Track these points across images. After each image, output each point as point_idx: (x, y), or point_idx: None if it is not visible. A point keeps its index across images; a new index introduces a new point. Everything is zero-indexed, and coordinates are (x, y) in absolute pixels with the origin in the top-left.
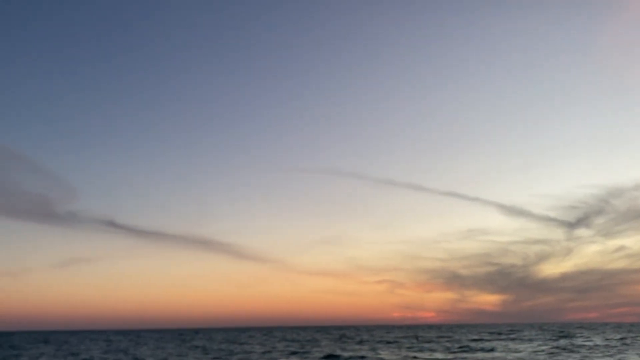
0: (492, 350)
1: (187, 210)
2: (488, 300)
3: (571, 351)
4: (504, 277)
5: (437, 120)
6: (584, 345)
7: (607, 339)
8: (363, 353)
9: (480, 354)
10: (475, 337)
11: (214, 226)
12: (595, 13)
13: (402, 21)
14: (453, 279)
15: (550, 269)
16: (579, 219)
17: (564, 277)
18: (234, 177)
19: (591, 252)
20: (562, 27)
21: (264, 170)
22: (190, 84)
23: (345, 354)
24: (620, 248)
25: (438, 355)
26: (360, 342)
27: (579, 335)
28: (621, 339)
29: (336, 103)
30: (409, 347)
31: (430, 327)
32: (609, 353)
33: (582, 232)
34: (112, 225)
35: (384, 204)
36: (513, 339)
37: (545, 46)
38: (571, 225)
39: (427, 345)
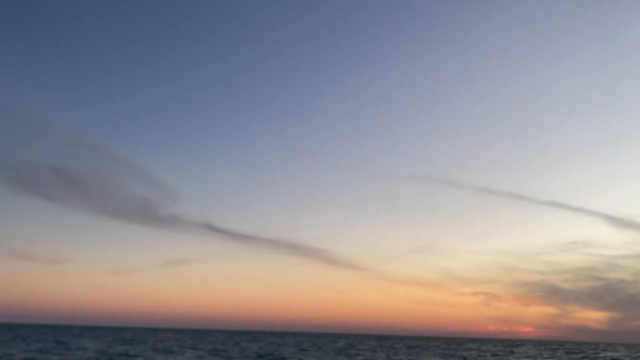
0: None
1: (281, 216)
2: (593, 317)
3: None
4: (611, 293)
5: (537, 126)
6: None
7: None
8: None
9: None
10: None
11: (307, 232)
12: None
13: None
14: (553, 293)
15: None
16: None
17: None
18: (328, 183)
19: None
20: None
21: (358, 177)
22: (287, 90)
23: None
24: None
25: None
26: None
27: None
28: None
29: (433, 109)
30: None
31: (523, 342)
32: None
33: None
34: (210, 228)
35: (479, 213)
36: None
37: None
38: None
39: None
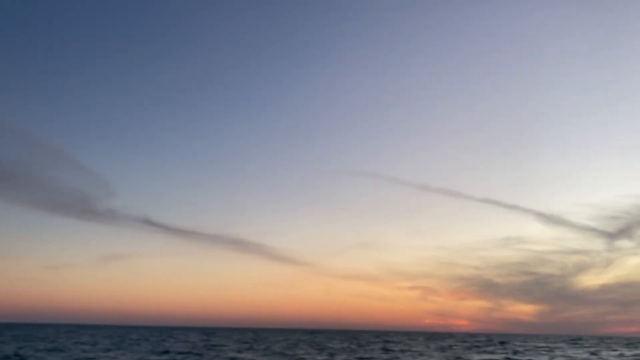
0: None
1: (222, 211)
2: (523, 310)
3: None
4: (541, 287)
5: (475, 127)
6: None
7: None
8: None
9: None
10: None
11: (249, 227)
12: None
13: (445, 20)
14: (488, 288)
15: (589, 281)
16: (621, 230)
17: (604, 289)
18: (270, 179)
19: (633, 264)
20: (600, 33)
21: (301, 172)
22: (228, 83)
23: None
24: None
25: None
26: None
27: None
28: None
29: (376, 106)
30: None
31: (450, 335)
32: None
33: (623, 243)
34: (148, 223)
35: (420, 209)
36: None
37: (589, 56)
38: (612, 236)
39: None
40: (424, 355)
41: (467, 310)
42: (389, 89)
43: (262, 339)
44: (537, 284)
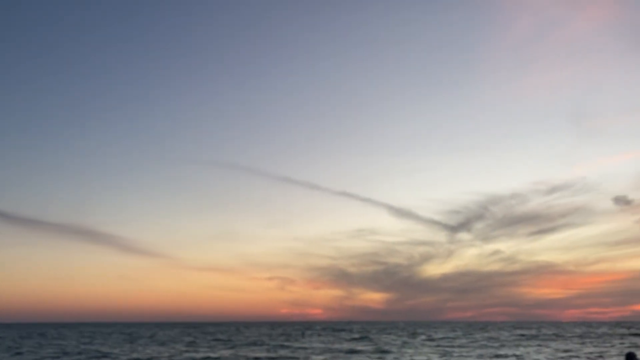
0: None
1: (69, 198)
2: (373, 298)
3: None
4: (390, 276)
5: (333, 122)
6: None
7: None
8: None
9: None
10: None
11: (99, 216)
12: (483, 31)
13: (308, 21)
14: (341, 277)
15: (433, 270)
16: (461, 223)
17: (445, 278)
18: (123, 166)
19: (470, 254)
20: (448, 45)
21: (158, 161)
22: (77, 70)
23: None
24: (496, 252)
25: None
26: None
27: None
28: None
29: (236, 98)
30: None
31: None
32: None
33: (463, 235)
34: None
35: (279, 201)
36: None
37: (434, 63)
38: (453, 228)
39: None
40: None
41: (322, 299)
42: (252, 81)
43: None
44: (386, 273)
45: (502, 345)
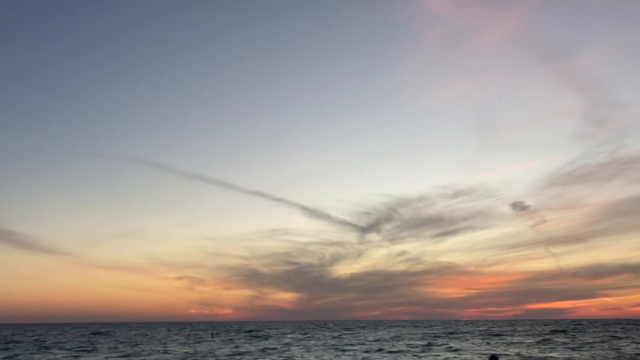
0: None
1: None
2: (284, 298)
3: None
4: (301, 276)
5: (249, 121)
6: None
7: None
8: None
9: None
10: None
11: None
12: (395, 41)
13: (224, 19)
14: (253, 277)
15: (343, 270)
16: (371, 225)
17: (354, 277)
18: (24, 159)
19: (378, 255)
20: (364, 53)
21: (61, 154)
22: None
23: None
24: (403, 252)
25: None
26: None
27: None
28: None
29: (149, 93)
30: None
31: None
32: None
33: (372, 236)
34: None
35: (191, 199)
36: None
37: (349, 70)
38: (364, 229)
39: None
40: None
41: (233, 299)
42: (165, 76)
43: None
44: (298, 273)
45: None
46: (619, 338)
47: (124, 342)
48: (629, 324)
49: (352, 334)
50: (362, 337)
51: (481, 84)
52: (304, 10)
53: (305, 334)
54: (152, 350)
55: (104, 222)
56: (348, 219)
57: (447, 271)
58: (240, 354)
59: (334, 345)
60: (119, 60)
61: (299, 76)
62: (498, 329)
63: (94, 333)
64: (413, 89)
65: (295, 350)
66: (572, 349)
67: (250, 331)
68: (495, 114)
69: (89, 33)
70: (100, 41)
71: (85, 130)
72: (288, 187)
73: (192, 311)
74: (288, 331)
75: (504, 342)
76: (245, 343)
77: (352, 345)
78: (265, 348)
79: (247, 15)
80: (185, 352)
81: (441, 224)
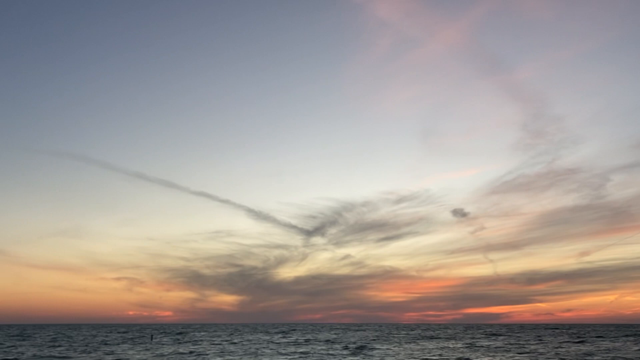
0: None
1: None
2: (226, 300)
3: None
4: (244, 278)
5: (195, 120)
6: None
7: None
8: None
9: None
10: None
11: None
12: (346, 47)
13: (166, 18)
14: (194, 279)
15: (287, 273)
16: (316, 228)
17: (298, 280)
18: None
19: (323, 258)
20: (313, 58)
21: None
22: None
23: None
24: (346, 256)
25: None
26: None
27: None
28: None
29: (88, 86)
30: None
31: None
32: None
33: (317, 240)
34: None
35: (132, 198)
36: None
37: (297, 74)
38: (309, 233)
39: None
40: None
41: (173, 301)
42: (105, 70)
43: None
44: (241, 276)
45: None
46: (541, 342)
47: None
48: (557, 328)
49: (286, 336)
50: (294, 339)
51: (426, 92)
52: (256, 13)
53: (236, 335)
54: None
55: (39, 219)
56: (293, 222)
57: (389, 275)
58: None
59: (257, 349)
60: (58, 54)
61: (247, 78)
62: (431, 332)
63: (17, 335)
64: (361, 94)
65: (210, 355)
66: (495, 352)
67: (180, 333)
68: (440, 123)
69: (24, 27)
70: (38, 36)
71: (20, 124)
72: (234, 188)
73: (131, 313)
74: (222, 334)
75: (425, 348)
76: (165, 345)
77: (272, 349)
78: (177, 352)
79: (198, 15)
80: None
81: (385, 229)
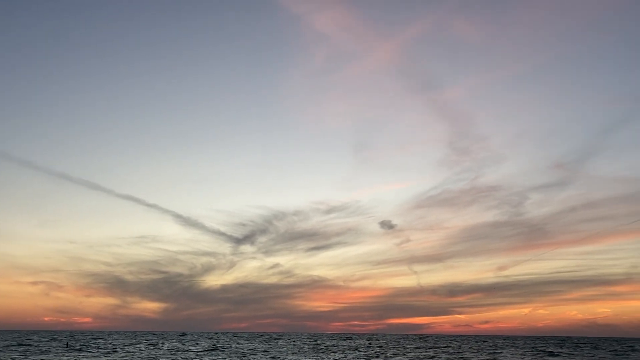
0: None
1: None
2: (149, 307)
3: None
4: (169, 285)
5: (123, 121)
6: None
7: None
8: None
9: None
10: None
11: None
12: (283, 56)
13: (106, 19)
14: (117, 285)
15: (214, 281)
16: (246, 236)
17: (224, 289)
18: None
19: (251, 267)
20: (250, 67)
21: None
22: None
23: None
24: (275, 265)
25: None
26: None
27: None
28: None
29: (8, 82)
30: None
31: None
32: None
33: (246, 248)
34: None
35: (53, 199)
36: None
37: (233, 80)
38: (238, 240)
39: None
40: None
41: (93, 307)
42: (28, 66)
43: None
44: (166, 283)
45: None
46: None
47: None
48: (474, 340)
49: (195, 344)
50: (198, 347)
51: (359, 106)
52: (195, 19)
53: (148, 344)
54: None
55: None
56: (222, 229)
57: (316, 285)
58: None
59: (157, 356)
60: None
61: (180, 82)
62: (331, 342)
63: None
64: (297, 104)
65: None
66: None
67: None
68: (371, 136)
69: None
70: None
71: None
72: (162, 193)
73: (47, 319)
74: (132, 342)
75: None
76: (64, 355)
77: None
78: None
79: (136, 16)
80: None
81: (314, 239)
